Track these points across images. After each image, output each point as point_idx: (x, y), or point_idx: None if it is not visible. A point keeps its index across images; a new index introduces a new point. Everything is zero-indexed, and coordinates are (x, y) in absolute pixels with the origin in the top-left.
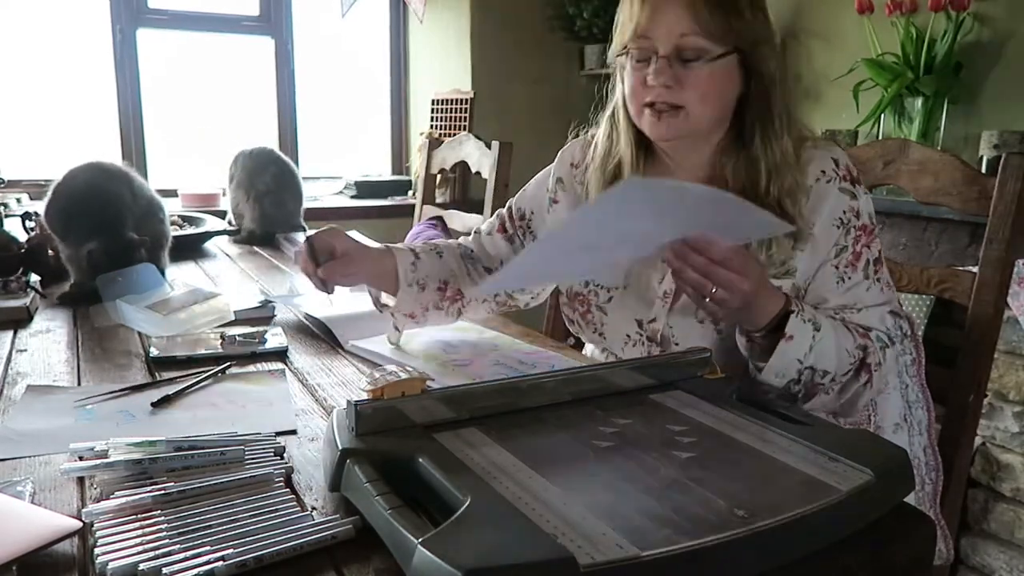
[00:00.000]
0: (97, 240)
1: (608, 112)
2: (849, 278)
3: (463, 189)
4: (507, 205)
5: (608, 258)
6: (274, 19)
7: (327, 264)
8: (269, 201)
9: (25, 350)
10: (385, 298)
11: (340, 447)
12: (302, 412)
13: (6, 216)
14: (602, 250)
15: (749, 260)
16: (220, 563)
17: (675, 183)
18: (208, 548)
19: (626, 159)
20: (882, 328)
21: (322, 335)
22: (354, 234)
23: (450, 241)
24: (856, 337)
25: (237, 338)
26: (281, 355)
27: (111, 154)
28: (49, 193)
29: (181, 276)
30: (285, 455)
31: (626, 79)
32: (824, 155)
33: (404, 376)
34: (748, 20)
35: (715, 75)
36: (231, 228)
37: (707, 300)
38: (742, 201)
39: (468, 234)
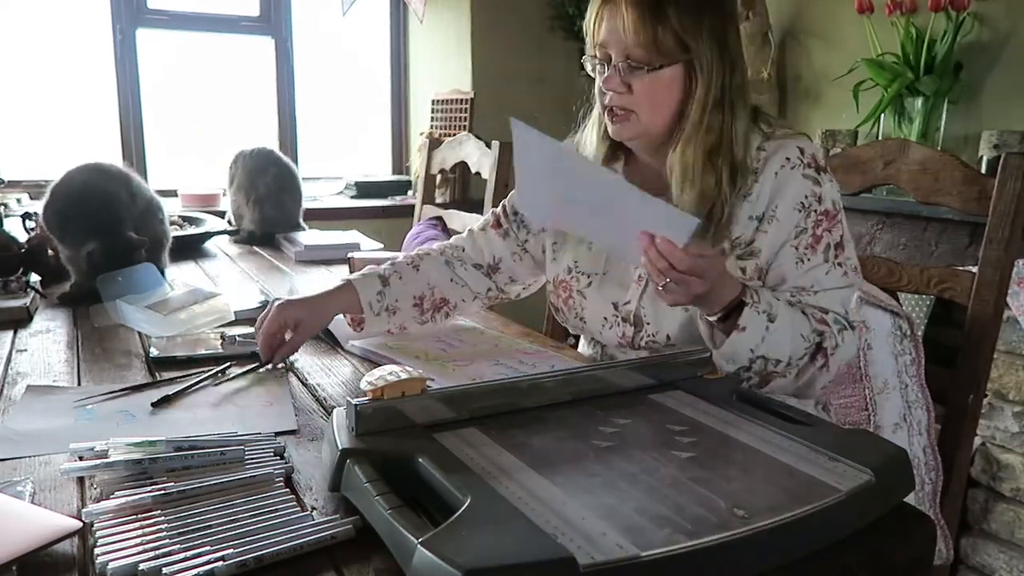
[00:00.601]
0: (95, 241)
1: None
2: (808, 259)
3: (463, 189)
4: (501, 204)
5: (609, 229)
6: (274, 19)
7: (279, 350)
8: (270, 203)
9: (25, 350)
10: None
11: (340, 447)
12: (302, 412)
13: (6, 216)
14: (592, 212)
15: (710, 264)
16: (220, 563)
17: (560, 147)
18: (208, 548)
19: (600, 155)
20: (840, 311)
21: (322, 335)
22: (354, 234)
23: (436, 246)
24: (813, 322)
25: (237, 338)
26: None
27: (111, 154)
28: (47, 194)
29: (181, 276)
30: (285, 455)
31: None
32: (790, 144)
33: (404, 376)
34: (692, 37)
35: (658, 83)
36: (231, 228)
37: (659, 287)
38: (631, 189)
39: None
